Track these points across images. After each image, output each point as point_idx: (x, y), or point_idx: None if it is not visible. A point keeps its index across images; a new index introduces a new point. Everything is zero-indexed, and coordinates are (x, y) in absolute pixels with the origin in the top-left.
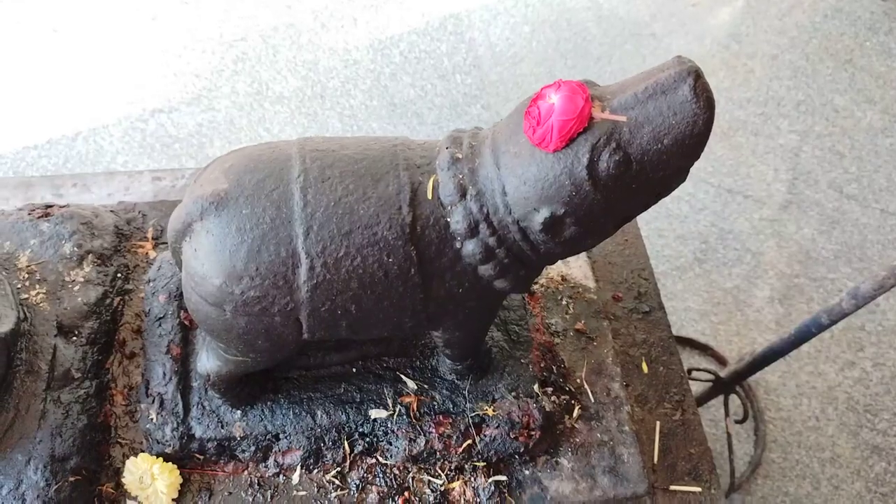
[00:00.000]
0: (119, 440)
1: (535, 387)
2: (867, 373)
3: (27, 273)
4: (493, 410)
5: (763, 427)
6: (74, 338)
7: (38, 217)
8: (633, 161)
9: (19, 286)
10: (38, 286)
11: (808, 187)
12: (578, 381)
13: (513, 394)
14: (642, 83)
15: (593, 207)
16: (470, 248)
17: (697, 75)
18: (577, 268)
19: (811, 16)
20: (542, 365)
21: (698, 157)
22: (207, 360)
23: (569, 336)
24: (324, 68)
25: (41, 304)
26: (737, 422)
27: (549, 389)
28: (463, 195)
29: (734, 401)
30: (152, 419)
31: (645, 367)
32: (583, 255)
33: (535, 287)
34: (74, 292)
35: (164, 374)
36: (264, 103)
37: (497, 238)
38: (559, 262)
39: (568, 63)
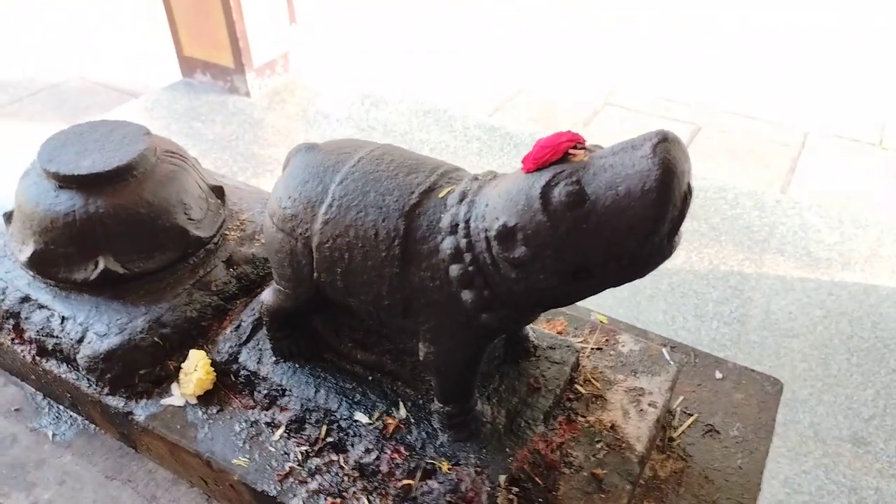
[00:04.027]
0: (205, 343)
1: (502, 478)
2: None
3: (239, 221)
4: (448, 468)
5: None
6: (231, 269)
7: None
8: (587, 199)
9: (230, 225)
10: (239, 231)
11: None
12: None
13: (476, 468)
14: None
15: (541, 229)
16: (446, 243)
17: (664, 138)
18: (634, 426)
19: None
20: (525, 467)
21: (651, 220)
22: (266, 293)
23: (580, 474)
24: None
25: (231, 240)
26: None
27: (515, 490)
28: (461, 201)
29: None
30: (225, 334)
31: None
32: (650, 419)
33: (580, 419)
34: (255, 246)
35: (254, 309)
36: None
37: (468, 242)
38: (619, 411)
39: (852, 360)
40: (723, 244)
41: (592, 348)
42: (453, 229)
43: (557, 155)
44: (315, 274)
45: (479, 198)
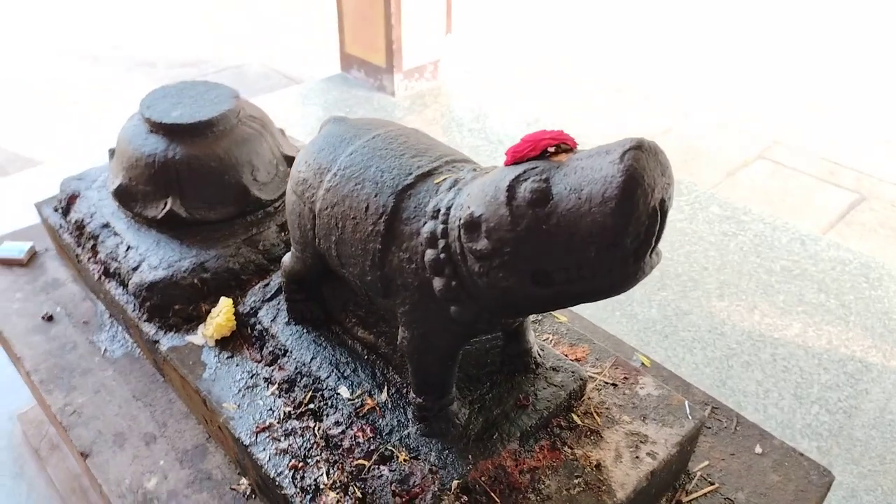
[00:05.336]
0: (240, 295)
1: (454, 483)
2: None
3: None
4: (405, 459)
5: None
6: (283, 233)
7: None
8: (551, 198)
9: None
10: None
11: None
12: None
13: (431, 466)
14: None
15: (502, 223)
16: (426, 227)
17: (638, 145)
18: (622, 471)
19: None
20: (482, 479)
21: (610, 230)
22: (286, 255)
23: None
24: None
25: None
26: None
27: (465, 499)
28: (451, 188)
29: None
30: (254, 289)
31: None
32: (644, 469)
33: (566, 449)
34: None
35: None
36: None
37: (444, 228)
38: (612, 452)
39: None
40: (849, 325)
41: (606, 382)
42: (435, 214)
43: (536, 151)
44: (316, 240)
45: (467, 187)
